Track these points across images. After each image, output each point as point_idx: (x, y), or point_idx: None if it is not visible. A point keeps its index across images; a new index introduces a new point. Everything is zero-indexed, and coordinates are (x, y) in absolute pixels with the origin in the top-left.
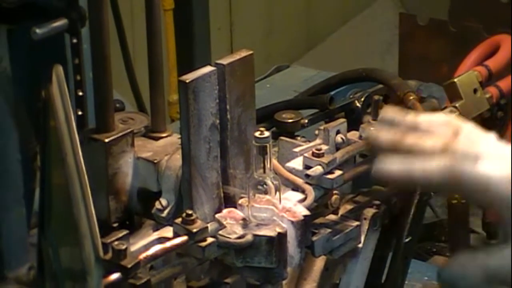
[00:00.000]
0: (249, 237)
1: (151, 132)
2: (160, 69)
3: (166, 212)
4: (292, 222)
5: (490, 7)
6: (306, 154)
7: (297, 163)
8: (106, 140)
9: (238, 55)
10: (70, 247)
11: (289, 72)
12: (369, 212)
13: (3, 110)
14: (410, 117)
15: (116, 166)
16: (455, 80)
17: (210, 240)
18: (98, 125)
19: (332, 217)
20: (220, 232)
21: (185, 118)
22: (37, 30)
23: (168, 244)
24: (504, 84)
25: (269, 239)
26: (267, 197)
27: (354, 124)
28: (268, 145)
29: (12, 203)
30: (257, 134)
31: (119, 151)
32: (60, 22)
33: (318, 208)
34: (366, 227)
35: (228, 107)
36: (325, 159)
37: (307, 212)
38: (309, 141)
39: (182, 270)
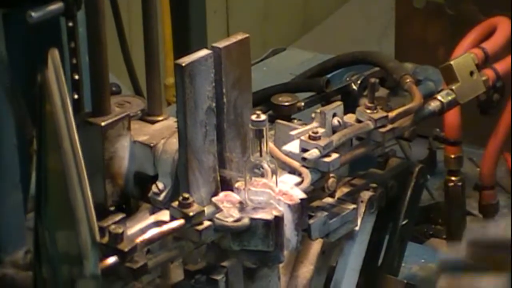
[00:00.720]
0: (245, 221)
1: (148, 116)
2: (156, 52)
3: (162, 195)
4: (289, 205)
5: None
6: (302, 137)
7: (293, 146)
8: (102, 124)
9: (234, 38)
10: (67, 231)
11: (286, 55)
12: (366, 195)
13: None
14: None
15: (113, 149)
16: (452, 62)
17: (206, 223)
18: (94, 108)
19: (328, 200)
20: (217, 215)
21: (181, 102)
22: (33, 14)
23: (164, 227)
24: (500, 66)
25: (266, 222)
26: (264, 180)
27: (350, 107)
28: (264, 128)
29: (8, 188)
30: (253, 117)
31: (115, 134)
32: (56, 6)
33: (315, 191)
34: (363, 210)
35: (224, 90)
36: (321, 142)
37: (303, 195)
38: (306, 124)
39: (179, 253)
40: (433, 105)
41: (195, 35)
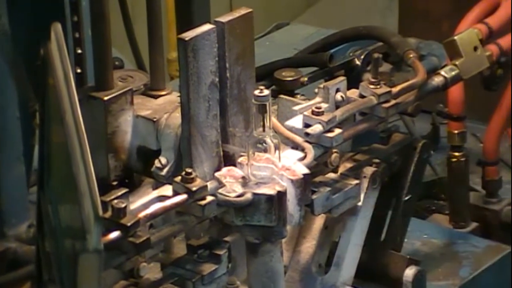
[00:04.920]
0: (248, 196)
1: (150, 90)
2: (159, 26)
3: (165, 170)
4: (292, 180)
5: None
6: (305, 113)
7: (296, 122)
8: (105, 98)
9: (237, 13)
10: (70, 205)
11: (289, 30)
12: (369, 170)
13: (2, 67)
14: None
15: (115, 124)
16: (456, 37)
17: (209, 198)
18: (97, 83)
19: (331, 175)
20: (220, 190)
21: (184, 76)
22: None
23: (167, 202)
24: (504, 42)
25: (269, 197)
26: (267, 155)
27: (354, 82)
28: (267, 103)
29: (11, 161)
30: (256, 92)
31: (118, 109)
32: None
33: (318, 166)
34: (366, 186)
35: (227, 65)
36: (324, 118)
37: (306, 171)
38: (309, 100)
39: (182, 228)
40: (437, 80)
41: (198, 10)
